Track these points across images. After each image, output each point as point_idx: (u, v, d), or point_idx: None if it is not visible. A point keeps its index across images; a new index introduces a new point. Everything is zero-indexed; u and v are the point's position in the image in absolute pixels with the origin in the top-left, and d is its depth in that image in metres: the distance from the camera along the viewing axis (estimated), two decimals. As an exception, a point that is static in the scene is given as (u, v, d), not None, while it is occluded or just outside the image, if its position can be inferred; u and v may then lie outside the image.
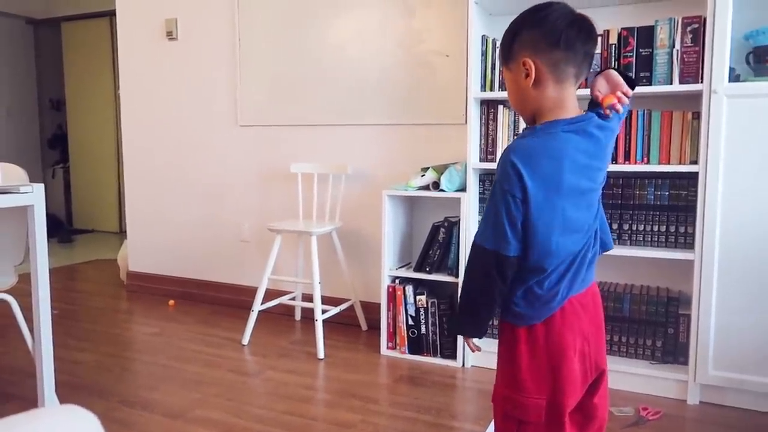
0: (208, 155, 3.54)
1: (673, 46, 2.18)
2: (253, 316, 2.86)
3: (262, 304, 2.91)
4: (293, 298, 3.19)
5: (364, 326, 3.08)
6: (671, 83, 2.19)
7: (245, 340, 2.86)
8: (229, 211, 3.50)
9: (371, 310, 3.02)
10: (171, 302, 3.54)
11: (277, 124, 3.30)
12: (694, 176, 2.22)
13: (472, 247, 1.20)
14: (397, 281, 2.73)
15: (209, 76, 3.48)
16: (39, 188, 1.91)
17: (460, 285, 1.31)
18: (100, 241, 5.86)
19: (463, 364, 2.60)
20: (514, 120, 2.51)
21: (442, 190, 2.58)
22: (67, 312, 3.38)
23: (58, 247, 5.56)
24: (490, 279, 1.17)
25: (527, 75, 1.16)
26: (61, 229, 6.25)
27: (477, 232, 1.19)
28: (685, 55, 2.17)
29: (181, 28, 3.54)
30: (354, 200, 3.12)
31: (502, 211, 1.13)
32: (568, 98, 1.18)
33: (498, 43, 1.27)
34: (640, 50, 2.25)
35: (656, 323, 2.34)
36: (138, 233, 3.86)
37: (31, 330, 2.00)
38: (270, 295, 3.07)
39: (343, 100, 3.10)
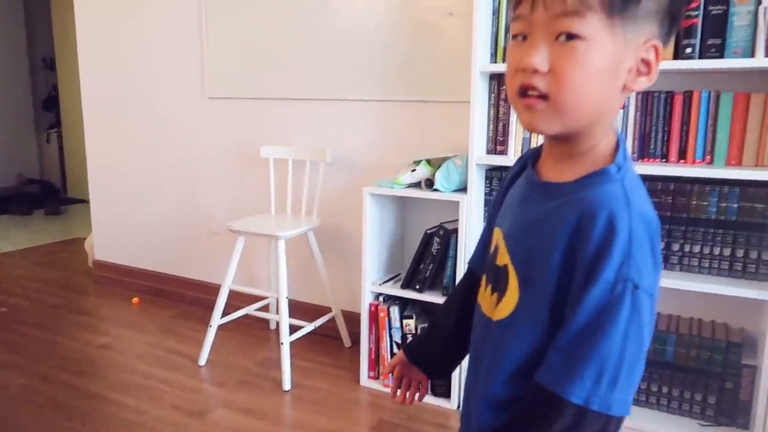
0: (174, 130, 3.03)
1: (759, 3, 1.55)
2: (211, 333, 2.40)
3: (226, 314, 2.45)
4: (267, 306, 2.71)
5: (347, 342, 2.59)
6: (753, 55, 1.57)
7: (202, 360, 2.40)
8: (199, 196, 3.01)
9: (357, 322, 2.52)
10: (135, 300, 3.10)
11: (250, 97, 2.75)
12: (775, 184, 1.63)
13: (579, 418, 0.62)
14: (381, 299, 2.21)
15: (172, 38, 2.93)
16: None
17: None
18: (88, 213, 5.46)
19: (459, 406, 2.09)
20: (533, 100, 1.91)
21: (437, 190, 2.03)
22: (17, 311, 2.97)
23: (44, 220, 5.18)
24: None
25: (638, 72, 0.65)
26: (53, 198, 5.88)
27: (585, 387, 0.62)
28: (775, 16, 1.54)
29: (141, -21, 2.98)
30: (336, 192, 2.58)
31: (644, 333, 0.63)
32: None
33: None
34: (710, 8, 1.62)
35: (710, 374, 1.79)
36: (102, 216, 3.41)
37: None
38: (240, 299, 2.60)
39: (326, 70, 2.53)
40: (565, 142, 0.69)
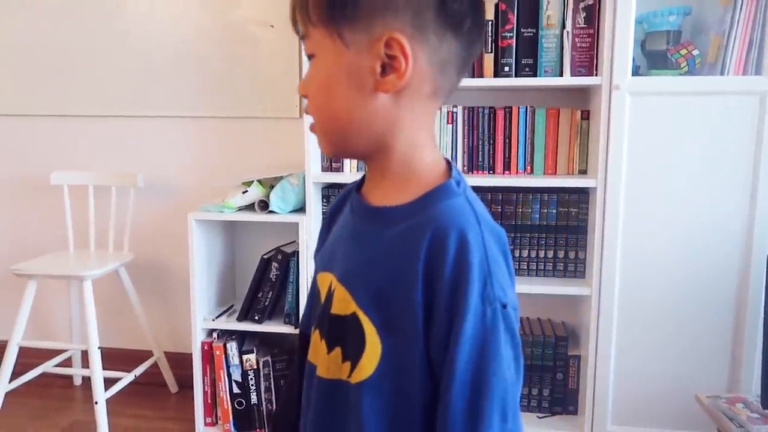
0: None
1: (564, 27, 1.72)
2: (-3, 402, 1.95)
3: (16, 376, 2.01)
4: (70, 359, 2.30)
5: (173, 388, 2.30)
6: (561, 74, 1.73)
7: (-14, 439, 1.94)
8: (-32, 237, 2.46)
9: (184, 364, 2.25)
10: None
11: (33, 114, 2.33)
12: (585, 190, 1.81)
13: None
14: (215, 335, 2.00)
15: None
16: None
17: None
18: None
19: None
20: (366, 116, 1.89)
21: (273, 212, 1.90)
22: None
23: None
24: None
25: (391, 68, 0.59)
26: None
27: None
28: (577, 39, 1.72)
29: None
30: (151, 222, 2.30)
31: (519, 348, 0.60)
32: (433, 126, 0.67)
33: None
34: (522, 30, 1.76)
35: (543, 368, 1.92)
36: None
37: None
38: (32, 355, 2.16)
39: (132, 83, 2.24)
40: (370, 159, 0.65)
